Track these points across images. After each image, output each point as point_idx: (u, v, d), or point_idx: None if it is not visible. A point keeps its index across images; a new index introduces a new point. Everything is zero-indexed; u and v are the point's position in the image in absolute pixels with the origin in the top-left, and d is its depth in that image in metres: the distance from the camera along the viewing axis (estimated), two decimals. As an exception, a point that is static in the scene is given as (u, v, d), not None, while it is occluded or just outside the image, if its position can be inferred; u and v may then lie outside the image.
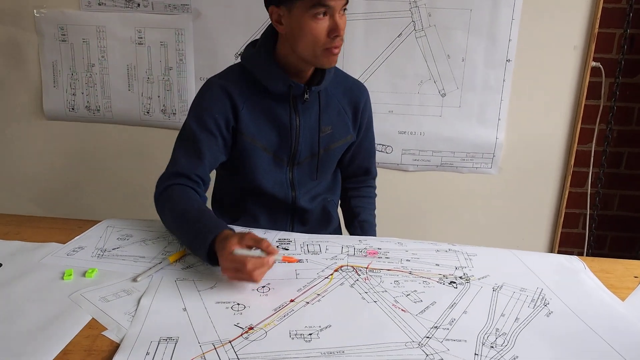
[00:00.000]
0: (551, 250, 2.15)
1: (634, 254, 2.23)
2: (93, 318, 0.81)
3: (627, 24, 1.94)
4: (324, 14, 1.07)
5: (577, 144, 2.01)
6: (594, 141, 2.09)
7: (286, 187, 1.28)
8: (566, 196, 2.06)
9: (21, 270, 0.94)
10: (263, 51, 1.17)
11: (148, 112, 2.05)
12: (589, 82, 1.93)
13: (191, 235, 1.00)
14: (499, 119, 1.98)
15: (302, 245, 1.09)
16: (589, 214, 2.19)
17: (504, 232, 2.11)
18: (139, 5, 1.95)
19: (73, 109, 2.07)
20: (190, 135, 1.17)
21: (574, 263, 1.08)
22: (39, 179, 2.18)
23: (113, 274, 0.95)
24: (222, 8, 1.91)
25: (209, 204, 1.40)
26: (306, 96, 1.19)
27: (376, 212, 1.45)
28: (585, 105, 1.96)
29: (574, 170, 2.05)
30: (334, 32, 1.07)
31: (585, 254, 2.22)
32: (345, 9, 1.10)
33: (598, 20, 1.85)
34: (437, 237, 1.17)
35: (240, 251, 0.90)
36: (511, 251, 1.12)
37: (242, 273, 0.88)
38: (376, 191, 1.48)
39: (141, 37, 1.98)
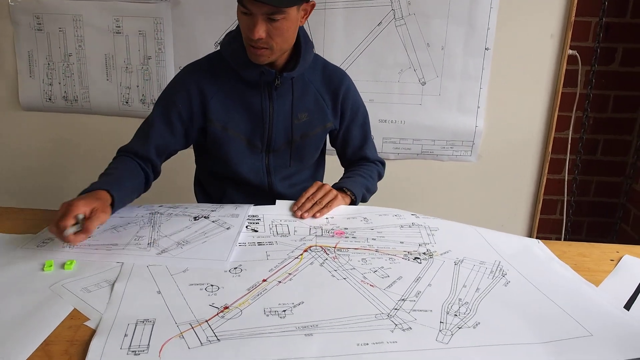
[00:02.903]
0: (530, 236, 2.19)
1: (610, 239, 2.28)
2: (75, 309, 0.81)
3: (603, 13, 1.98)
4: (246, 13, 1.08)
5: (555, 131, 2.04)
6: (570, 128, 2.13)
7: (262, 173, 1.30)
8: (544, 183, 2.10)
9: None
10: (236, 38, 1.19)
11: (127, 102, 2.03)
12: (566, 70, 1.97)
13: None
14: (478, 107, 2.01)
15: (270, 226, 1.12)
16: (567, 200, 2.23)
17: (483, 219, 2.14)
18: (116, -7, 1.92)
19: (50, 99, 2.04)
20: (148, 119, 1.24)
21: (528, 240, 1.15)
22: (15, 170, 2.15)
23: (92, 264, 0.94)
24: (201, -4, 1.89)
25: (192, 188, 1.43)
26: (277, 82, 1.20)
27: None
28: (562, 93, 1.99)
29: (551, 157, 2.09)
30: (250, 34, 1.09)
31: (562, 239, 2.27)
32: (275, 18, 1.07)
33: (574, 9, 1.88)
34: (416, 223, 1.19)
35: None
36: (471, 227, 1.19)
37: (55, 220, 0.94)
38: (380, 175, 1.45)
39: (119, 26, 1.95)
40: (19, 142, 2.11)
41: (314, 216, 1.15)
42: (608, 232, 2.30)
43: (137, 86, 2.01)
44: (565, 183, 2.20)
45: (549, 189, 2.20)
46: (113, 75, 2.00)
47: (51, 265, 0.92)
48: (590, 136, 2.17)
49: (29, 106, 2.05)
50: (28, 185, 2.15)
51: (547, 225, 2.29)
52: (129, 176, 1.14)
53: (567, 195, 2.22)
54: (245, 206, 1.20)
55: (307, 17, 1.18)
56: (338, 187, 1.26)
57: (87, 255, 0.97)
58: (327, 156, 1.46)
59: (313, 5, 1.17)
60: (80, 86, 2.02)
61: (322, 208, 1.16)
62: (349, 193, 1.25)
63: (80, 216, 0.95)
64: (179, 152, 1.33)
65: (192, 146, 1.37)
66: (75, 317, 0.79)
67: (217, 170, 1.32)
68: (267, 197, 1.31)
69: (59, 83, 2.02)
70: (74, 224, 0.94)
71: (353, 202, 1.26)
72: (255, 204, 1.22)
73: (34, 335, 0.74)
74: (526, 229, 2.19)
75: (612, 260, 1.08)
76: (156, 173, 1.26)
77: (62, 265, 0.93)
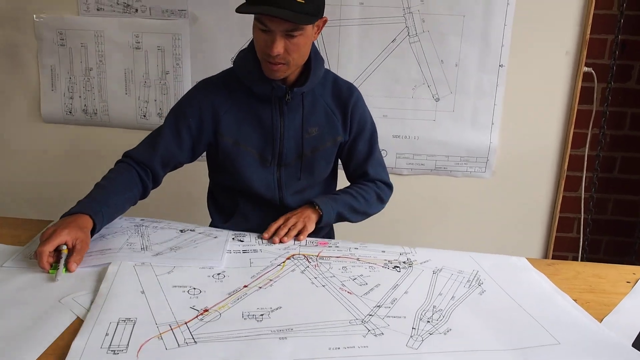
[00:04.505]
0: (546, 255, 2.16)
1: (629, 258, 2.24)
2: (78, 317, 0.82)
3: (618, 30, 1.97)
4: (265, 30, 1.10)
5: (570, 149, 2.02)
6: (587, 145, 2.11)
7: (273, 187, 1.31)
8: (560, 200, 2.07)
9: (10, 273, 0.95)
10: (249, 54, 1.22)
11: (145, 116, 2.07)
12: (582, 87, 1.95)
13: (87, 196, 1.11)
14: (492, 124, 2.00)
15: (256, 238, 1.16)
16: (583, 218, 2.20)
17: (498, 237, 2.12)
18: (136, 10, 1.97)
19: (70, 112, 2.09)
20: (159, 129, 1.27)
21: (511, 257, 1.16)
22: (36, 181, 2.19)
23: (95, 274, 0.95)
24: (219, 13, 1.93)
25: (205, 203, 1.44)
26: (288, 97, 1.22)
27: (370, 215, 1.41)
28: (577, 110, 1.98)
29: (567, 174, 2.06)
30: (269, 51, 1.11)
31: (580, 258, 2.23)
32: (294, 34, 1.10)
33: (589, 27, 1.87)
34: (430, 241, 1.20)
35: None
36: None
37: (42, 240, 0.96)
38: (380, 197, 1.39)
39: (139, 42, 2.00)
40: (40, 154, 2.16)
41: (297, 239, 1.17)
42: (627, 251, 2.26)
43: (155, 100, 2.05)
44: (582, 201, 2.17)
45: (566, 207, 2.17)
46: (132, 90, 2.05)
47: (55, 269, 0.94)
48: (607, 153, 2.15)
49: (50, 118, 2.10)
50: (47, 196, 2.19)
51: (563, 243, 2.25)
52: (122, 189, 1.16)
53: (584, 213, 2.19)
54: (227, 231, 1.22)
55: (319, 33, 1.21)
56: (308, 201, 1.27)
57: (84, 262, 0.99)
58: (339, 171, 1.46)
59: (325, 21, 1.20)
60: (100, 100, 2.07)
61: (299, 232, 1.18)
62: (317, 208, 1.24)
63: (63, 247, 0.97)
64: (196, 166, 1.36)
65: (205, 160, 1.39)
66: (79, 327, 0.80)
67: (230, 184, 1.33)
68: (278, 211, 1.31)
69: (80, 96, 2.07)
70: (56, 251, 0.97)
71: (321, 218, 1.24)
72: (267, 219, 1.23)
73: (38, 343, 0.74)
74: (542, 247, 2.16)
75: (628, 282, 1.06)
76: (156, 182, 1.27)
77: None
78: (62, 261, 0.96)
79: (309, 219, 1.22)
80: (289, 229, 1.18)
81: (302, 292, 0.92)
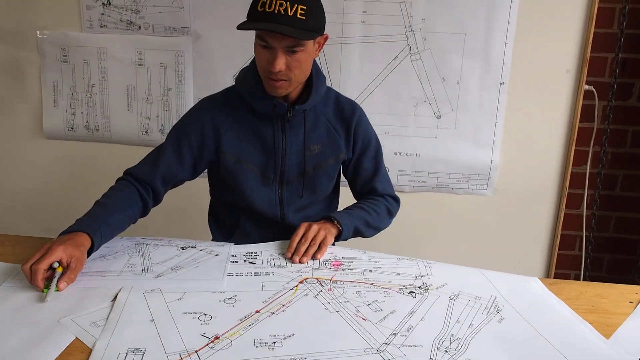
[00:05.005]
0: (548, 273, 2.15)
1: (631, 276, 2.22)
2: (77, 338, 0.81)
3: (619, 49, 1.98)
4: (266, 47, 1.11)
5: (572, 166, 2.02)
6: (588, 163, 2.11)
7: (275, 204, 1.30)
8: (562, 218, 2.07)
9: (9, 292, 0.94)
10: (251, 72, 1.22)
11: (146, 132, 2.07)
12: (582, 104, 1.96)
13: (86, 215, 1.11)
14: (494, 141, 2.00)
15: (268, 259, 1.12)
16: (585, 236, 2.19)
17: (500, 254, 2.11)
18: (139, 27, 1.98)
19: (72, 128, 2.09)
20: (160, 147, 1.27)
21: (526, 278, 1.13)
22: (37, 197, 2.19)
23: (95, 296, 0.93)
24: (221, 31, 1.95)
25: (206, 221, 1.44)
26: (289, 114, 1.22)
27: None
28: (579, 127, 1.98)
29: (569, 192, 2.06)
30: (270, 67, 1.11)
31: (582, 276, 2.22)
32: (295, 50, 1.11)
33: (590, 45, 1.89)
34: (432, 258, 1.18)
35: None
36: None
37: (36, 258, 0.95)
38: (390, 211, 1.40)
39: (141, 59, 2.01)
40: (41, 169, 2.15)
41: (314, 257, 1.13)
42: (629, 269, 2.24)
43: (157, 116, 2.05)
44: (584, 218, 2.17)
45: (567, 225, 2.16)
46: (134, 106, 2.05)
47: (48, 287, 0.93)
48: (609, 171, 2.14)
49: (51, 134, 2.11)
50: (48, 211, 2.19)
51: (566, 261, 2.24)
52: (121, 207, 1.15)
53: (586, 230, 2.18)
54: (228, 244, 1.21)
55: (320, 49, 1.21)
56: (326, 216, 1.25)
57: (84, 283, 0.98)
58: (341, 188, 1.46)
59: (326, 38, 1.21)
60: (102, 116, 2.07)
61: (318, 249, 1.14)
62: (335, 223, 1.22)
63: (56, 264, 0.96)
64: (197, 183, 1.36)
65: (207, 177, 1.39)
66: (76, 348, 0.79)
67: (231, 201, 1.33)
68: (280, 229, 1.31)
69: (82, 113, 2.08)
70: (49, 269, 0.96)
71: (340, 233, 1.22)
72: (269, 236, 1.22)
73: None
74: (544, 264, 2.14)
75: (631, 302, 1.05)
76: (157, 200, 1.27)
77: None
78: (55, 280, 0.94)
79: (330, 232, 1.19)
80: (309, 246, 1.14)
81: (316, 318, 0.89)
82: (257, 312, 0.90)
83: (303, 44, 1.11)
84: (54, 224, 2.17)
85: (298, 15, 1.06)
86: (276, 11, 1.05)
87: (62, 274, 0.96)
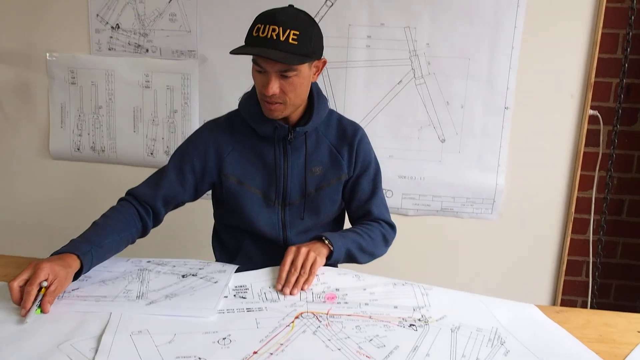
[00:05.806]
0: (554, 298, 2.12)
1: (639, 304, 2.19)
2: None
3: (623, 74, 1.98)
4: (260, 71, 1.13)
5: (578, 191, 2.01)
6: (594, 188, 2.09)
7: (277, 227, 1.30)
8: (568, 243, 2.05)
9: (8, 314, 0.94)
10: (252, 96, 1.25)
11: (152, 154, 2.08)
12: (587, 129, 1.96)
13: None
14: (498, 165, 2.00)
15: (259, 293, 1.07)
16: (592, 261, 2.17)
17: (505, 279, 2.09)
18: (147, 50, 2.01)
19: (79, 149, 2.11)
20: (163, 168, 1.28)
21: (523, 305, 1.11)
22: (42, 217, 2.19)
23: (95, 321, 0.92)
24: (227, 55, 1.94)
25: (209, 243, 1.43)
26: (290, 137, 1.23)
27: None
28: (584, 152, 1.98)
29: (575, 217, 2.05)
30: (264, 91, 1.13)
31: (589, 302, 2.18)
32: (287, 75, 1.12)
33: (594, 70, 1.89)
34: (436, 283, 1.16)
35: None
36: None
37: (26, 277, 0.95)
38: (385, 238, 1.36)
39: (148, 81, 2.03)
40: (47, 190, 2.17)
41: (302, 289, 1.09)
42: (638, 296, 2.21)
43: (162, 138, 2.07)
44: (590, 244, 2.14)
45: (574, 250, 2.14)
46: (140, 128, 2.07)
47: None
48: (615, 196, 2.13)
49: (58, 155, 2.12)
50: (54, 232, 2.19)
51: (572, 287, 2.21)
52: (119, 229, 1.16)
53: (593, 256, 2.16)
54: (232, 266, 1.18)
55: (319, 74, 1.23)
56: (317, 236, 1.21)
57: (75, 306, 0.97)
58: (346, 217, 1.45)
59: (324, 63, 1.22)
60: (108, 137, 2.09)
61: (307, 277, 1.10)
62: (327, 242, 1.18)
63: (44, 283, 0.95)
64: (202, 204, 1.36)
65: (211, 200, 1.39)
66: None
67: (234, 223, 1.33)
68: (283, 251, 1.30)
69: (88, 134, 2.09)
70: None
71: (331, 254, 1.18)
72: (271, 259, 1.21)
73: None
74: (551, 290, 2.11)
75: (639, 331, 1.03)
76: (157, 221, 1.27)
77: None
78: (37, 301, 0.93)
79: (320, 253, 1.15)
80: (299, 275, 1.10)
81: (317, 358, 0.85)
82: (255, 353, 0.85)
83: (295, 69, 1.12)
84: (60, 244, 2.17)
85: (290, 40, 1.09)
86: (269, 36, 1.08)
87: (43, 296, 0.94)
